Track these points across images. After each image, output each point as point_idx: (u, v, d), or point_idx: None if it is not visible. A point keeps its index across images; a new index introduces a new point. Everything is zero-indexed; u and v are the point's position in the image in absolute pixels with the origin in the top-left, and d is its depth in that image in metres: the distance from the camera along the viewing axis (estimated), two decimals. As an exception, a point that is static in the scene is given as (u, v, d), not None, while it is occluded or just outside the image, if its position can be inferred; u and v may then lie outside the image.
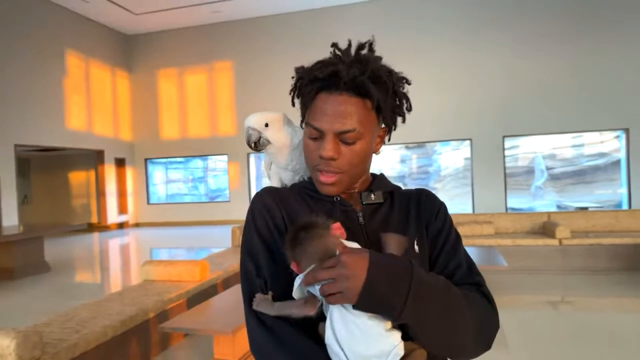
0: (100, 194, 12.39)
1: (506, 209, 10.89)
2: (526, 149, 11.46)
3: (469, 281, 0.88)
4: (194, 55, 12.84)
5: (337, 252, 0.72)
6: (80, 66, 11.57)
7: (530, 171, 11.52)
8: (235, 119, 12.56)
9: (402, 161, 12.51)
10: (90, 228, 12.31)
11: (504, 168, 11.02)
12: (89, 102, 11.83)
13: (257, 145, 0.97)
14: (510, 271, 5.05)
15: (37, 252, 6.77)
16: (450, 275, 0.87)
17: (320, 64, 0.87)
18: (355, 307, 0.71)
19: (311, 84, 0.86)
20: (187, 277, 4.19)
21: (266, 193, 0.92)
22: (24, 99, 9.83)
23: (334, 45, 0.91)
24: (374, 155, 0.95)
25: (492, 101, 10.85)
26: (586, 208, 8.73)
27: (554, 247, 5.66)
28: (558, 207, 11.21)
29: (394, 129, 0.95)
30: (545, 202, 11.46)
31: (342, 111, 0.83)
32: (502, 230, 6.27)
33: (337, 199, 0.91)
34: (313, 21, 11.88)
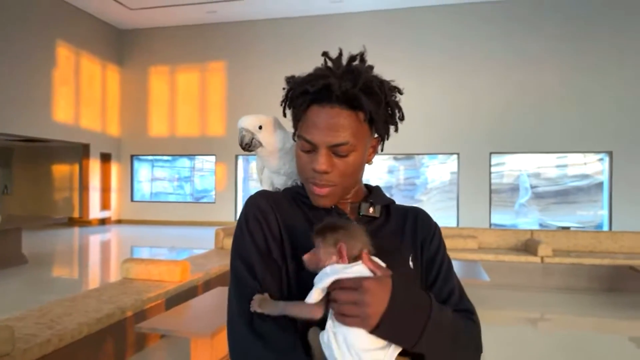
0: (84, 188, 12.19)
1: (490, 224, 11.00)
2: (512, 167, 11.61)
3: (461, 307, 0.89)
4: (187, 54, 12.77)
5: (361, 259, 0.75)
6: (71, 58, 11.41)
7: (515, 188, 11.67)
8: (226, 120, 12.49)
9: (390, 172, 12.58)
10: (72, 222, 12.10)
11: (490, 184, 11.13)
12: (78, 95, 11.66)
13: (249, 146, 0.97)
14: (491, 286, 5.07)
15: (14, 244, 6.61)
16: (443, 301, 0.87)
17: (312, 77, 0.86)
18: (370, 333, 0.71)
19: (303, 96, 0.86)
20: (168, 277, 4.12)
21: (261, 196, 0.91)
22: (10, 87, 9.65)
23: (325, 54, 0.90)
24: (366, 165, 0.95)
25: (481, 117, 10.98)
26: (568, 227, 8.84)
27: (536, 265, 5.71)
28: (540, 225, 11.35)
29: (387, 139, 0.95)
30: (528, 219, 11.61)
31: (335, 124, 0.83)
32: (485, 245, 6.31)
33: (332, 207, 0.90)
34: (308, 28, 11.91)
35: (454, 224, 11.16)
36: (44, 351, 2.61)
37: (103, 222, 12.64)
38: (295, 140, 0.91)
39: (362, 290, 0.69)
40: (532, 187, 11.65)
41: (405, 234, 0.93)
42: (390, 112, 0.91)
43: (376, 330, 0.70)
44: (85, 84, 11.92)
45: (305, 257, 0.77)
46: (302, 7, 11.55)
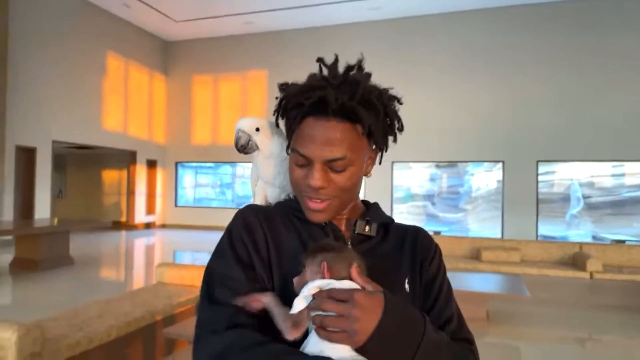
0: (131, 193, 12.70)
1: (537, 236, 10.48)
2: (563, 175, 11.02)
3: (460, 337, 0.82)
4: (229, 64, 13.09)
5: (350, 279, 0.71)
6: (120, 68, 11.98)
7: (566, 198, 11.06)
8: (266, 128, 12.64)
9: (432, 179, 12.27)
10: (118, 226, 12.61)
11: (537, 193, 10.63)
12: (126, 104, 12.21)
13: (245, 148, 0.94)
14: (533, 302, 4.79)
15: (62, 246, 6.94)
16: (441, 327, 0.81)
17: (307, 87, 0.81)
18: (357, 350, 0.65)
19: (297, 108, 0.81)
20: (199, 282, 4.15)
21: (250, 210, 0.86)
22: (64, 97, 10.23)
23: (320, 60, 0.86)
24: (367, 178, 0.91)
25: (526, 125, 10.54)
26: (623, 241, 8.26)
27: (584, 281, 5.36)
28: (594, 237, 10.69)
29: (386, 150, 0.89)
30: (580, 231, 10.96)
31: (331, 138, 0.78)
32: (529, 258, 5.99)
33: (326, 223, 0.85)
34: (345, 36, 11.90)
35: (499, 235, 10.72)
36: (72, 352, 2.68)
37: (148, 226, 13.10)
38: (288, 154, 0.86)
39: (353, 303, 0.64)
40: (585, 197, 10.99)
41: (403, 255, 0.87)
42: (389, 122, 0.85)
43: (362, 349, 0.64)
44: (133, 94, 12.46)
45: (294, 279, 0.74)
46: (340, 15, 11.57)
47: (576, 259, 5.69)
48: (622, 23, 10.04)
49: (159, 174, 13.55)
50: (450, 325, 0.83)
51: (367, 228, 0.86)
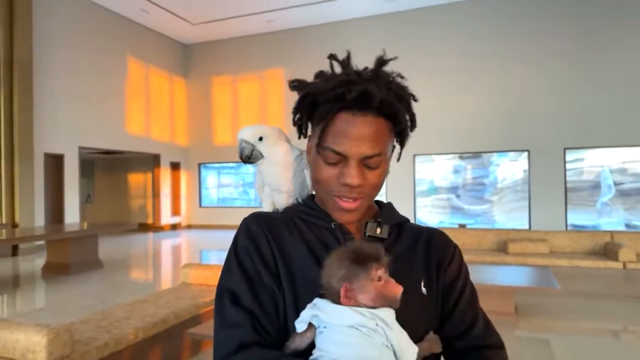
0: (156, 195, 12.94)
1: (566, 226, 10.19)
2: (592, 162, 10.66)
3: (485, 342, 0.80)
4: (247, 63, 13.15)
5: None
6: (141, 72, 12.19)
7: (596, 186, 10.71)
8: (285, 126, 12.62)
9: (456, 172, 12.05)
10: (145, 228, 12.87)
11: (565, 182, 10.33)
12: (148, 108, 12.42)
13: (249, 158, 0.92)
14: (564, 294, 4.65)
15: (91, 249, 7.12)
16: (465, 332, 0.79)
17: (343, 82, 0.78)
18: None
19: (331, 103, 0.77)
20: (223, 283, 4.19)
21: (252, 219, 0.85)
22: (88, 104, 10.48)
23: (333, 57, 0.85)
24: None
25: (552, 111, 10.25)
26: (658, 228, 7.96)
27: (617, 271, 5.18)
28: (627, 225, 10.34)
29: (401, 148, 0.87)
30: (612, 219, 10.60)
31: (368, 134, 0.76)
32: (557, 249, 5.83)
33: (334, 225, 0.82)
34: (361, 30, 11.79)
35: (526, 226, 10.48)
36: (100, 354, 2.73)
37: (174, 227, 13.33)
38: (313, 152, 0.83)
39: None
40: (617, 184, 10.61)
41: (416, 257, 0.84)
42: (409, 119, 0.83)
43: None
44: (154, 98, 12.66)
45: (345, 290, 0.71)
46: (356, 8, 11.47)
47: (608, 249, 5.51)
48: (650, 1, 9.63)
49: (183, 176, 13.76)
50: (474, 330, 0.80)
51: (378, 230, 0.83)
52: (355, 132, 0.76)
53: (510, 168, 11.36)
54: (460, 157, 11.70)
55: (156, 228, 12.90)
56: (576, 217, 10.48)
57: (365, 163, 0.77)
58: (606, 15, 9.90)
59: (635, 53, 9.68)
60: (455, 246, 0.88)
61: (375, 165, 0.78)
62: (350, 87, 0.76)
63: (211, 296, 3.88)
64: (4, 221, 8.58)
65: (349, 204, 0.80)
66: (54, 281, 6.38)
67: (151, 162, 13.15)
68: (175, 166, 13.51)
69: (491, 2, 10.76)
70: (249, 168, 13.87)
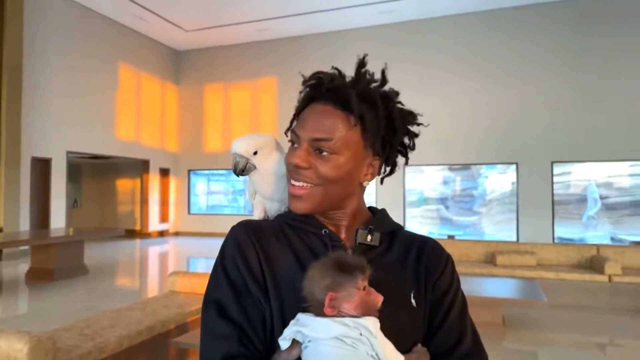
0: (144, 201, 12.82)
1: (553, 238, 10.29)
2: (579, 176, 10.81)
3: (476, 358, 0.79)
4: (240, 71, 13.17)
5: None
6: (132, 78, 12.13)
7: (582, 199, 10.85)
8: (277, 134, 12.63)
9: (445, 183, 12.14)
10: (132, 234, 12.72)
11: (552, 195, 10.45)
12: (138, 113, 12.35)
13: (243, 171, 0.90)
14: (551, 307, 4.69)
15: (77, 255, 7.01)
16: (451, 349, 0.78)
17: (313, 77, 0.84)
18: None
19: (303, 99, 0.83)
20: (210, 291, 4.15)
21: (240, 227, 0.83)
22: (78, 108, 10.38)
23: (335, 69, 0.88)
24: (364, 185, 0.86)
25: (540, 125, 10.40)
26: (643, 242, 8.07)
27: (602, 284, 5.23)
28: (612, 239, 10.47)
29: (393, 166, 0.87)
30: (598, 233, 10.73)
31: (321, 120, 0.78)
32: (545, 262, 5.88)
33: (325, 232, 0.82)
34: (356, 40, 11.88)
35: (514, 238, 10.57)
36: (83, 363, 2.68)
37: (162, 234, 13.19)
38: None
39: None
40: (602, 197, 10.77)
41: (407, 267, 0.83)
42: (392, 131, 0.83)
43: None
44: (145, 103, 12.60)
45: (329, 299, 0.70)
46: (350, 19, 11.57)
47: (594, 262, 5.57)
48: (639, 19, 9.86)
49: (172, 182, 13.66)
50: (462, 345, 0.79)
51: (369, 237, 0.82)
52: (311, 117, 0.79)
53: (498, 180, 11.47)
54: (450, 169, 11.79)
55: (143, 235, 12.76)
56: (563, 230, 10.60)
57: (314, 146, 0.78)
58: (598, 33, 10.11)
59: (623, 71, 9.88)
60: (448, 257, 0.86)
61: (325, 151, 0.77)
62: (312, 79, 0.82)
63: (198, 305, 3.84)
64: (-13, 225, 8.44)
65: (295, 189, 0.80)
66: (38, 287, 6.27)
67: (140, 167, 13.04)
68: (164, 172, 13.42)
69: (484, 16, 10.93)
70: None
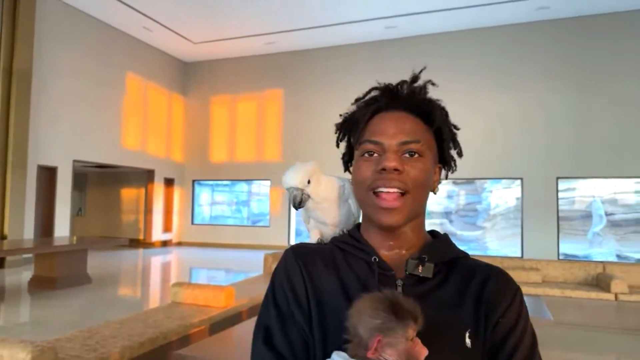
0: (148, 211, 12.84)
1: (558, 255, 10.21)
2: (584, 192, 10.76)
3: None
4: (246, 84, 13.27)
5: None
6: (140, 89, 12.24)
7: (587, 216, 10.78)
8: (281, 146, 12.75)
9: (449, 197, 12.11)
10: (136, 244, 12.72)
11: (557, 211, 10.40)
12: (145, 124, 12.44)
13: (301, 203, 0.89)
14: (556, 325, 4.63)
15: (80, 264, 7.01)
16: None
17: (372, 90, 0.85)
18: None
19: (366, 108, 0.82)
20: (213, 303, 4.14)
21: (291, 253, 0.82)
22: (85, 118, 10.47)
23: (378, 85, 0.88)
24: (435, 192, 0.85)
25: (546, 140, 10.38)
26: (649, 261, 7.99)
27: (609, 302, 5.17)
28: (618, 256, 10.37)
29: (452, 171, 0.87)
30: (603, 250, 10.64)
31: (401, 125, 0.77)
32: (550, 279, 5.83)
33: (375, 259, 0.77)
34: (362, 54, 11.97)
35: (518, 253, 10.49)
36: (85, 374, 2.66)
37: (165, 244, 13.19)
38: (354, 159, 0.83)
39: None
40: (608, 214, 10.69)
41: (465, 302, 0.74)
42: (452, 142, 0.85)
43: None
44: (152, 114, 12.69)
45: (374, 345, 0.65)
46: (356, 34, 11.67)
47: (600, 280, 5.51)
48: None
49: (176, 192, 13.69)
50: None
51: (419, 269, 0.74)
52: (390, 124, 0.78)
53: (503, 195, 11.43)
54: (454, 183, 11.77)
55: (147, 244, 12.76)
56: (568, 247, 10.51)
57: (403, 150, 0.76)
58: (603, 48, 10.14)
59: (630, 87, 9.88)
60: (517, 291, 0.77)
61: (415, 152, 0.76)
62: (380, 91, 0.83)
63: (200, 317, 3.83)
64: (-8, 232, 8.47)
65: (388, 202, 0.74)
66: (40, 296, 6.26)
67: (145, 177, 13.09)
68: (169, 182, 13.46)
69: (488, 32, 11.00)
70: (243, 186, 13.89)
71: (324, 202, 0.91)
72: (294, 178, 0.88)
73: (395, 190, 0.74)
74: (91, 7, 10.37)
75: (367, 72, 11.38)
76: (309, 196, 0.89)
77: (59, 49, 9.80)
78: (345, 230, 0.88)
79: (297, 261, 0.80)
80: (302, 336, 0.74)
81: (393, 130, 0.76)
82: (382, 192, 0.75)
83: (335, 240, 0.85)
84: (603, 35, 10.15)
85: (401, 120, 0.78)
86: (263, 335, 0.76)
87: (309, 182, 0.88)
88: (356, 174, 0.80)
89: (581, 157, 10.15)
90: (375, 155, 0.77)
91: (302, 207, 0.90)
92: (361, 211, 0.85)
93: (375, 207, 0.76)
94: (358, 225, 0.86)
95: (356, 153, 0.81)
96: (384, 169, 0.74)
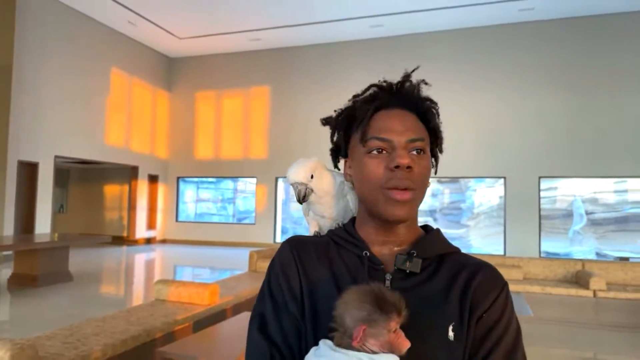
0: (132, 208, 12.69)
1: (539, 252, 10.39)
2: (565, 191, 10.98)
3: None
4: (232, 80, 13.19)
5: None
6: (124, 84, 12.08)
7: (568, 214, 11.00)
8: (267, 143, 12.72)
9: (433, 195, 12.23)
10: (119, 241, 12.57)
11: (539, 210, 10.57)
12: (129, 119, 12.28)
13: (305, 197, 0.92)
14: (537, 321, 4.72)
15: (61, 261, 6.90)
16: None
17: (372, 86, 0.85)
18: None
19: (366, 104, 0.81)
20: (197, 300, 4.12)
21: (287, 245, 0.84)
22: (67, 112, 10.30)
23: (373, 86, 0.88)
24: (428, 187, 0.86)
25: (528, 140, 10.55)
26: (627, 258, 8.18)
27: (587, 299, 5.29)
28: (597, 254, 10.61)
29: (435, 169, 0.87)
30: (583, 248, 10.87)
31: (406, 122, 0.78)
32: (531, 276, 5.93)
33: (366, 253, 0.79)
34: (347, 52, 12.00)
35: (501, 252, 10.65)
36: (66, 372, 2.63)
37: (149, 241, 13.05)
38: (356, 155, 0.82)
39: None
40: (588, 213, 10.93)
41: (451, 296, 0.75)
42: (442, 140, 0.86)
43: None
44: (136, 109, 12.54)
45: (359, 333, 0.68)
46: (342, 32, 11.69)
47: (579, 277, 5.63)
48: (629, 39, 10.09)
49: (161, 189, 13.55)
50: None
51: (407, 264, 0.76)
52: (396, 122, 0.78)
53: (486, 194, 11.59)
54: (439, 182, 11.89)
55: (130, 241, 12.61)
56: (549, 245, 10.71)
57: (411, 147, 0.77)
58: (584, 49, 10.33)
59: (611, 90, 10.09)
60: (503, 287, 0.77)
61: (421, 149, 0.77)
62: (382, 88, 0.83)
63: (184, 314, 3.81)
64: (-30, 229, 8.28)
65: (402, 195, 0.75)
66: (20, 293, 6.15)
67: (129, 174, 12.93)
68: (153, 179, 13.31)
69: (474, 32, 11.11)
70: (228, 184, 13.82)
71: (325, 196, 0.93)
72: (298, 173, 0.90)
73: (407, 187, 0.75)
74: (74, 0, 10.18)
75: (354, 70, 11.42)
76: (312, 190, 0.92)
77: (41, 43, 9.60)
78: (341, 224, 0.91)
79: (292, 252, 0.82)
80: (296, 325, 0.77)
81: (401, 128, 0.77)
82: (394, 189, 0.75)
83: (331, 233, 0.88)
84: (586, 37, 10.34)
85: (405, 118, 0.79)
86: (258, 323, 0.78)
87: (312, 177, 0.91)
88: (363, 172, 0.79)
89: (563, 157, 10.34)
90: (384, 152, 0.77)
91: (306, 201, 0.93)
92: (357, 206, 0.88)
93: (387, 200, 0.76)
94: (353, 220, 0.88)
95: (357, 150, 0.81)
96: (397, 166, 0.74)
